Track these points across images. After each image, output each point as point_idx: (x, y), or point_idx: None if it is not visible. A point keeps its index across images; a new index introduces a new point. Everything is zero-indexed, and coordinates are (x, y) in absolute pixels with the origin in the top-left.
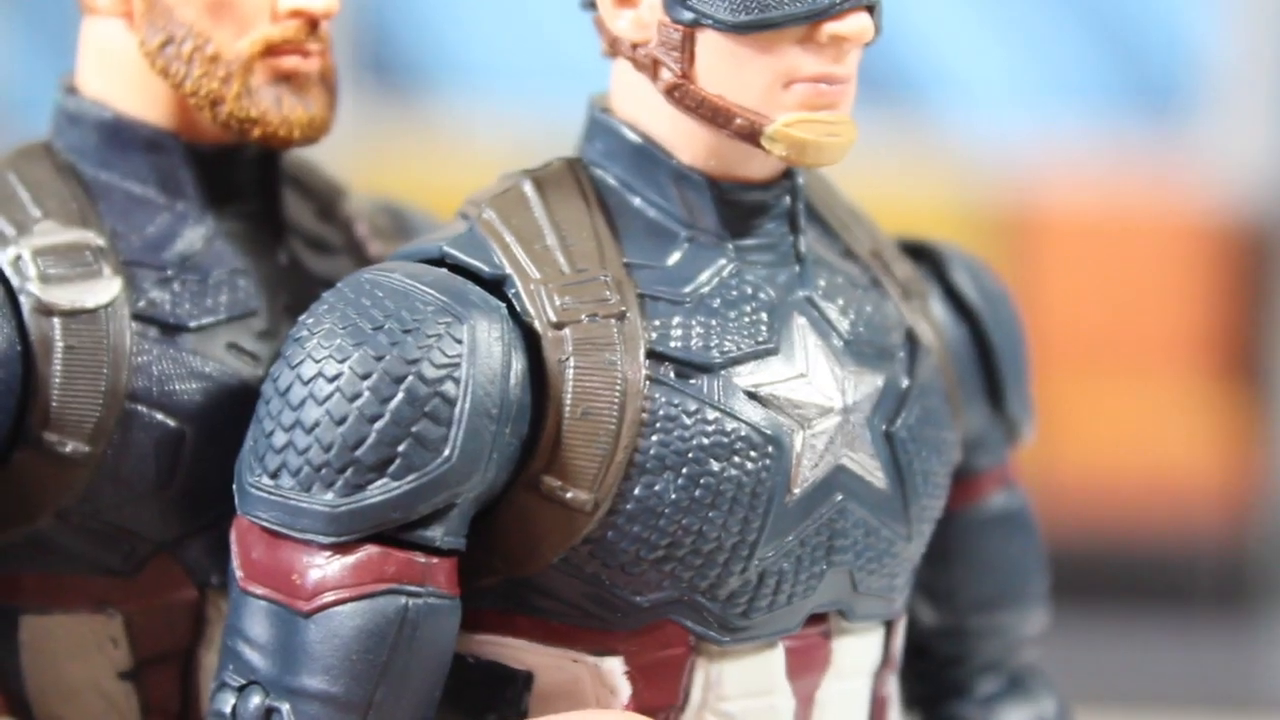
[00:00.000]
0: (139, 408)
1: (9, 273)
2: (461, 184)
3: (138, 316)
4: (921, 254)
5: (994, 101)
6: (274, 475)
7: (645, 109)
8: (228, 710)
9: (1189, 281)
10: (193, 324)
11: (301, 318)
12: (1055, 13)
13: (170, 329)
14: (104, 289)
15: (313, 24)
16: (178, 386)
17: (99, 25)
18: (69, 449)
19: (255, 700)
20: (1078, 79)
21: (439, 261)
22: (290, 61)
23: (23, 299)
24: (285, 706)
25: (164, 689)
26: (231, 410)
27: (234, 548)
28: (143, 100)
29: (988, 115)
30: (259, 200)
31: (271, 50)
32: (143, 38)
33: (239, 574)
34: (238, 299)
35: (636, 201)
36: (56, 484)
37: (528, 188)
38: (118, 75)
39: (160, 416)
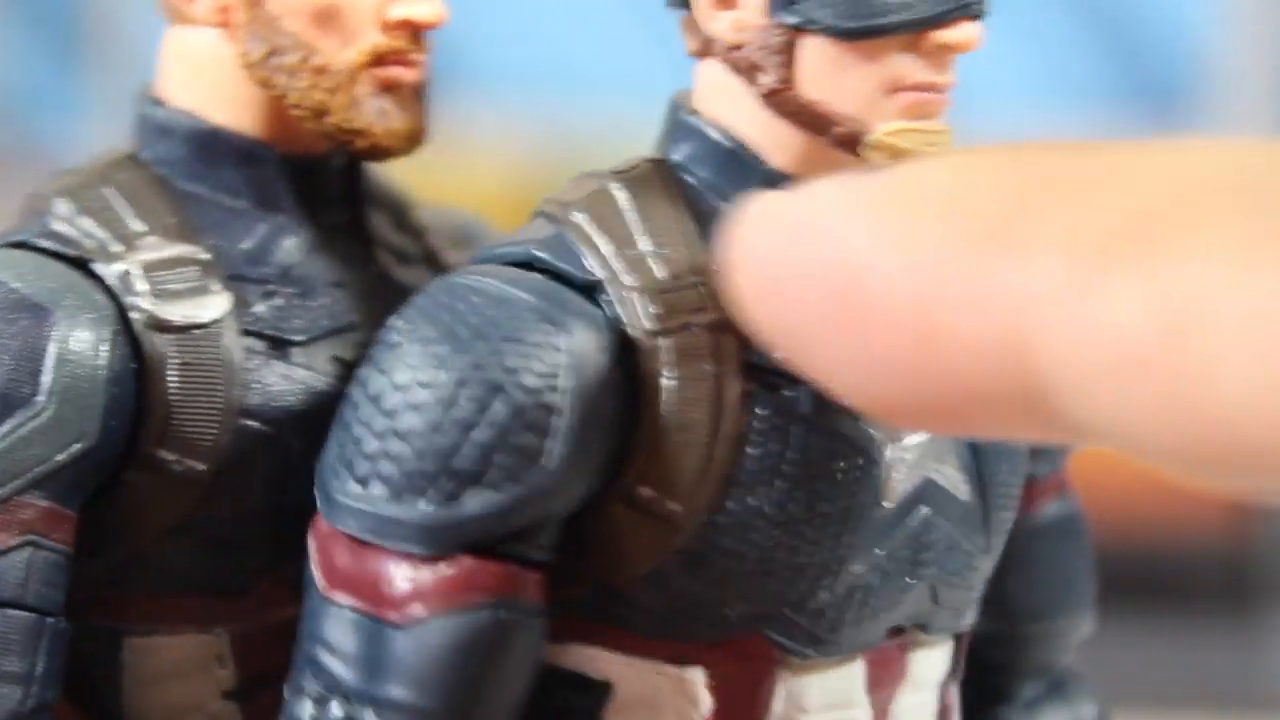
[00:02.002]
0: (250, 424)
1: (117, 288)
2: (465, 187)
3: (245, 331)
4: None
5: (994, 99)
6: (364, 484)
7: (737, 112)
8: (306, 717)
9: None
10: (298, 338)
11: (392, 321)
12: (1056, 10)
13: (277, 343)
14: (214, 304)
15: (418, 34)
16: (287, 402)
17: (189, 35)
18: (183, 467)
19: (336, 710)
20: (1078, 76)
21: (527, 265)
22: (395, 72)
23: (133, 315)
24: (369, 717)
25: (268, 708)
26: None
27: (314, 555)
28: (236, 111)
29: (988, 113)
30: (346, 211)
31: (378, 60)
32: (244, 49)
33: (321, 581)
34: (337, 312)
35: (725, 207)
36: (168, 502)
37: (617, 190)
38: (210, 86)
39: (270, 432)
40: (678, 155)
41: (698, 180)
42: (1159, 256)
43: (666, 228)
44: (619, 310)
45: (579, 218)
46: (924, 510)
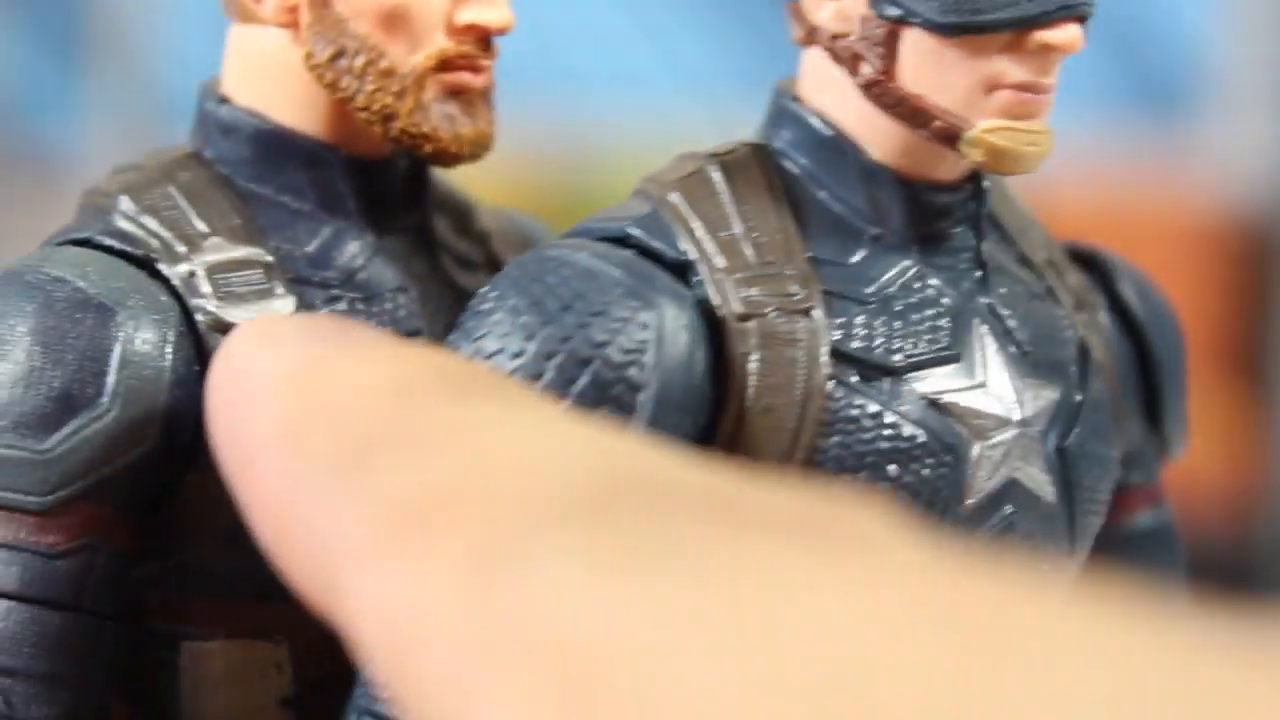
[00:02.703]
0: None
1: (182, 290)
2: (466, 186)
3: None
4: (1089, 262)
5: None
6: None
7: (838, 101)
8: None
9: (1192, 280)
10: None
11: (482, 290)
12: None
13: None
14: (280, 307)
15: (486, 39)
16: None
17: (256, 34)
18: None
19: None
20: (1080, 78)
21: (621, 242)
22: (462, 77)
23: (199, 317)
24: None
25: (324, 717)
26: None
27: None
28: (301, 112)
29: None
30: (410, 215)
31: (445, 65)
32: (311, 50)
33: None
34: (401, 318)
35: (822, 195)
36: (228, 507)
37: (715, 173)
38: (275, 86)
39: None
40: (778, 141)
41: (797, 167)
42: (413, 548)
43: (761, 212)
44: (709, 291)
45: (674, 198)
46: (1007, 509)
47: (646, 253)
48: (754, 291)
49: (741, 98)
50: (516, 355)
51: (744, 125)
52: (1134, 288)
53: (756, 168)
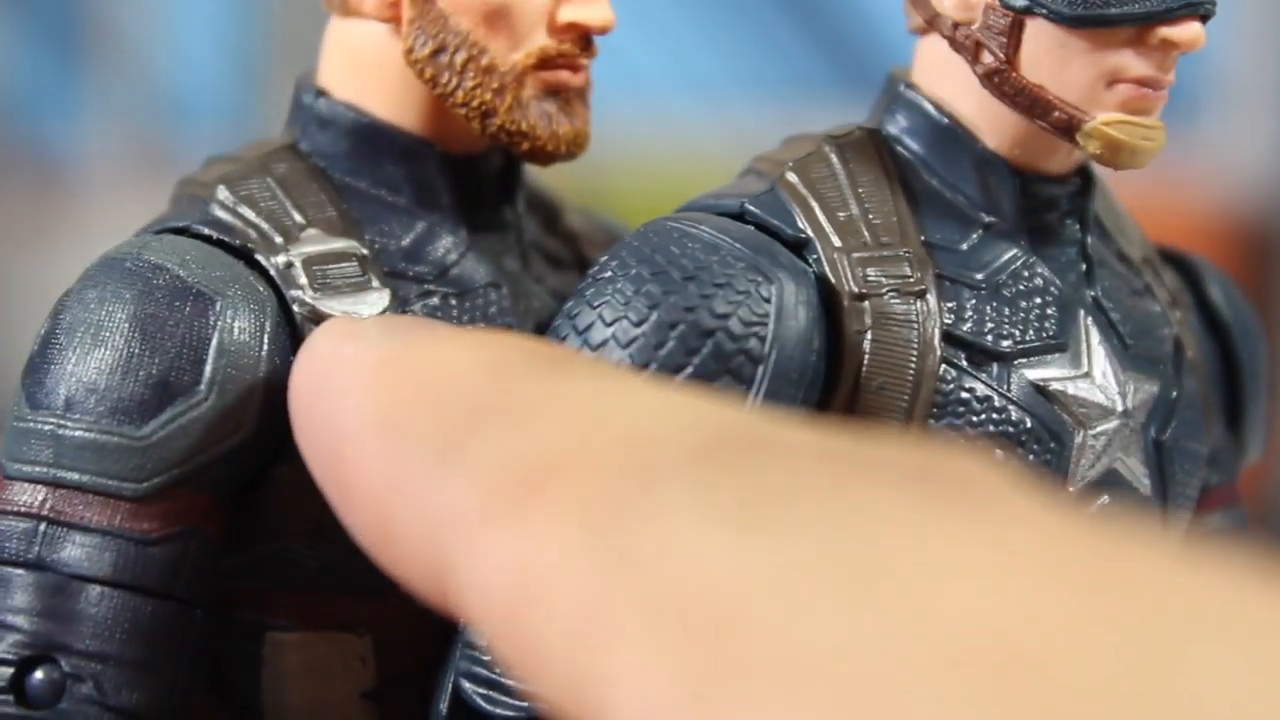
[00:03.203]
0: None
1: (279, 281)
2: None
3: None
4: (1179, 263)
5: None
6: None
7: (955, 89)
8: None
9: None
10: None
11: (603, 258)
12: None
13: None
14: (375, 300)
15: (586, 38)
16: None
17: (356, 28)
18: None
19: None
20: None
21: (738, 217)
22: (561, 75)
23: (295, 307)
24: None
25: (405, 710)
26: None
27: None
28: (399, 106)
29: None
30: (502, 212)
31: (545, 63)
32: (411, 45)
33: None
34: (493, 313)
35: (935, 182)
36: (318, 500)
37: (832, 154)
38: (374, 80)
39: None
40: (893, 127)
41: (910, 153)
42: (530, 512)
43: (876, 194)
44: (826, 269)
45: (792, 177)
46: (1104, 499)
47: (764, 229)
48: (870, 271)
49: (745, 101)
50: (638, 323)
51: (748, 127)
52: (1221, 291)
53: (872, 151)
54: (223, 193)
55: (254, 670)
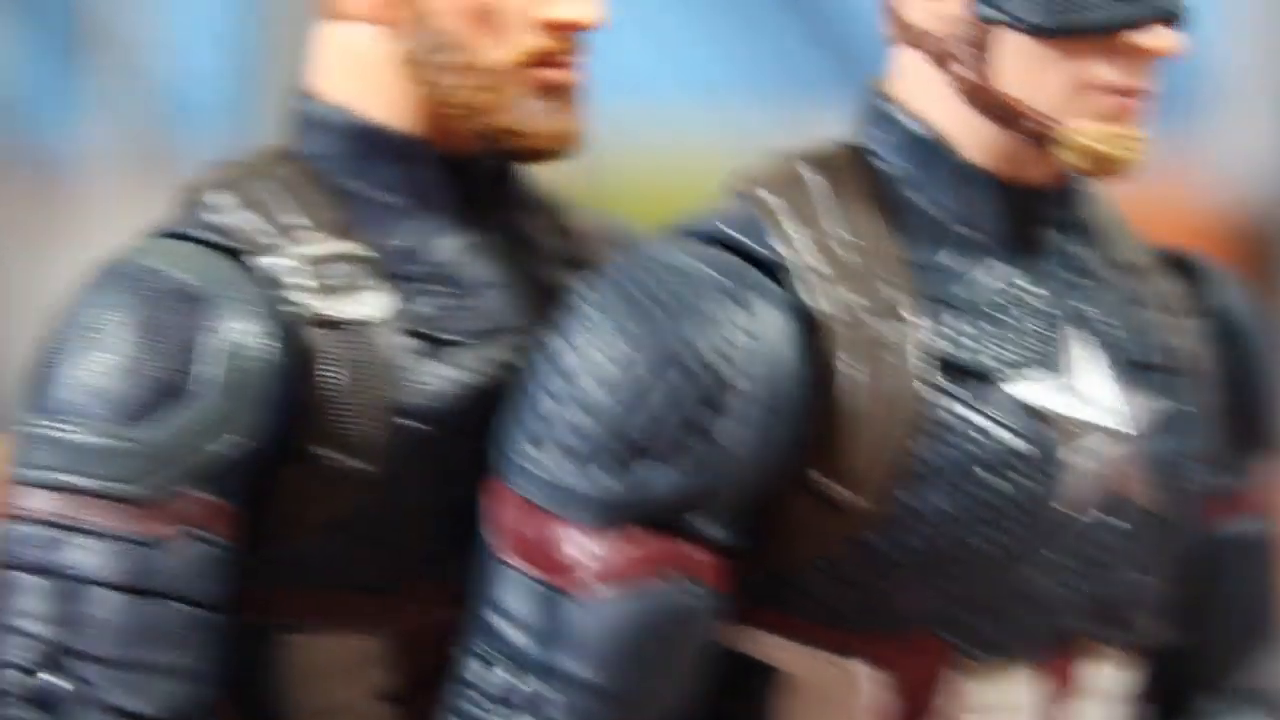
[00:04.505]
0: (409, 422)
1: (273, 282)
2: None
3: (403, 330)
4: (1181, 266)
5: None
6: (541, 448)
7: (932, 101)
8: (469, 678)
9: None
10: (456, 338)
11: (579, 293)
12: None
13: (435, 343)
14: (374, 301)
15: (577, 36)
16: (445, 402)
17: (345, 30)
18: (341, 464)
19: (500, 673)
20: None
21: (713, 240)
22: (551, 74)
23: (290, 309)
24: (537, 686)
25: (428, 710)
26: (495, 424)
27: (487, 514)
28: (392, 108)
29: None
30: (500, 213)
31: (533, 61)
32: (403, 45)
33: (494, 542)
34: (494, 313)
35: (915, 196)
36: (325, 499)
37: (808, 173)
38: (366, 82)
39: (429, 431)
40: (871, 142)
41: (890, 168)
42: None
43: (854, 213)
44: (802, 293)
45: (768, 197)
46: (1101, 516)
47: (737, 250)
48: (845, 292)
49: (745, 101)
50: (613, 359)
51: (748, 127)
52: (1227, 292)
53: (850, 168)
54: (219, 197)
55: (271, 673)
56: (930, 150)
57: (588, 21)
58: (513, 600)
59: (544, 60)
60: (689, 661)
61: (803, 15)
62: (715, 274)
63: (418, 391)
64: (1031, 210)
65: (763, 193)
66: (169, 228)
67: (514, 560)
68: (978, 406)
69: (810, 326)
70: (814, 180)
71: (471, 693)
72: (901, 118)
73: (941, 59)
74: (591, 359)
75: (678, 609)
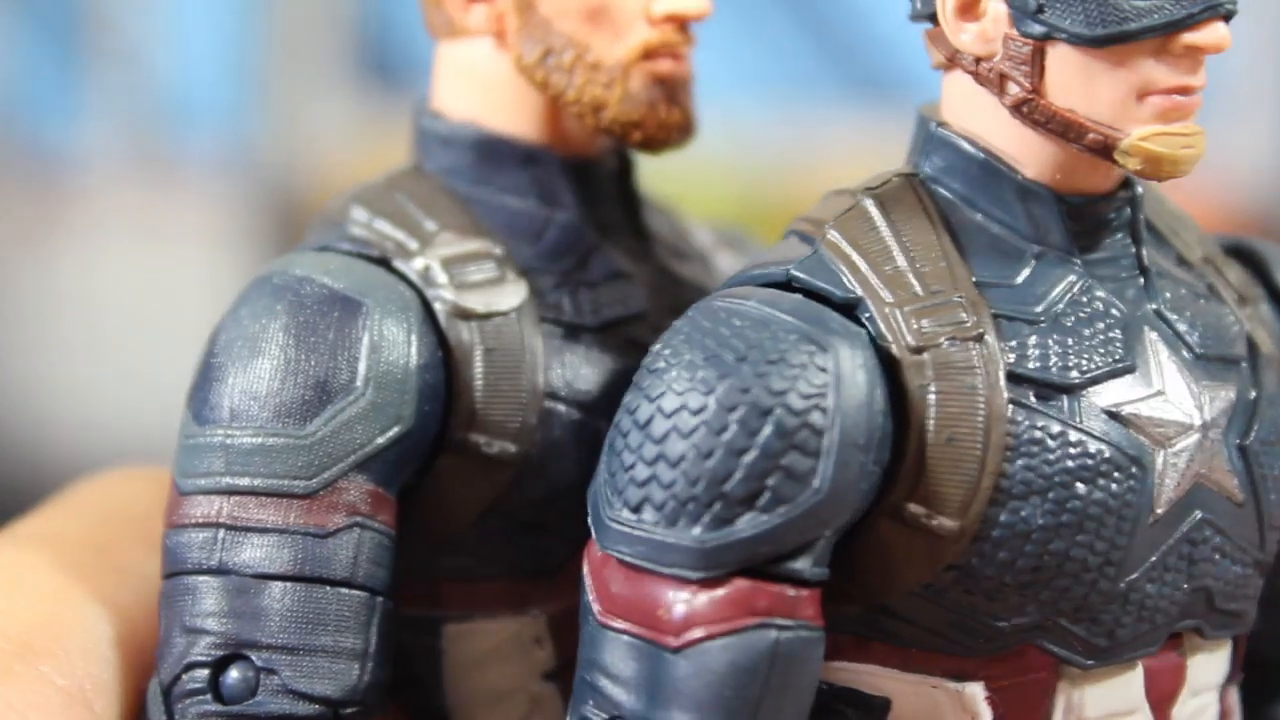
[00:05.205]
0: (556, 406)
1: (419, 283)
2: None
3: (542, 319)
4: (1243, 254)
5: None
6: (636, 510)
7: (987, 123)
8: None
9: None
10: (590, 324)
11: (655, 348)
12: None
13: (573, 329)
14: (513, 293)
15: (683, 27)
16: (590, 384)
17: (464, 47)
18: (495, 449)
19: None
20: None
21: (786, 285)
22: (665, 65)
23: (437, 306)
24: None
25: None
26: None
27: (588, 580)
28: (514, 117)
29: None
30: (622, 210)
31: (648, 54)
32: (519, 53)
33: (596, 608)
34: (626, 299)
35: (979, 218)
36: (481, 485)
37: (871, 206)
38: (488, 94)
39: (576, 414)
40: (929, 168)
41: (950, 193)
42: None
43: (921, 242)
44: (880, 327)
45: (835, 236)
46: (1196, 515)
47: (813, 295)
48: (925, 323)
49: (745, 101)
50: (698, 411)
51: (748, 127)
52: None
53: (911, 197)
54: (357, 212)
55: (434, 663)
56: (992, 171)
57: (696, 11)
58: (617, 661)
59: (658, 52)
60: (797, 699)
61: (803, 15)
62: (792, 319)
63: (562, 376)
64: (1097, 219)
65: (831, 232)
66: (310, 245)
67: (615, 622)
68: (1067, 420)
69: (893, 361)
70: (878, 213)
71: None
72: (959, 142)
73: (994, 81)
74: (674, 414)
75: (778, 651)
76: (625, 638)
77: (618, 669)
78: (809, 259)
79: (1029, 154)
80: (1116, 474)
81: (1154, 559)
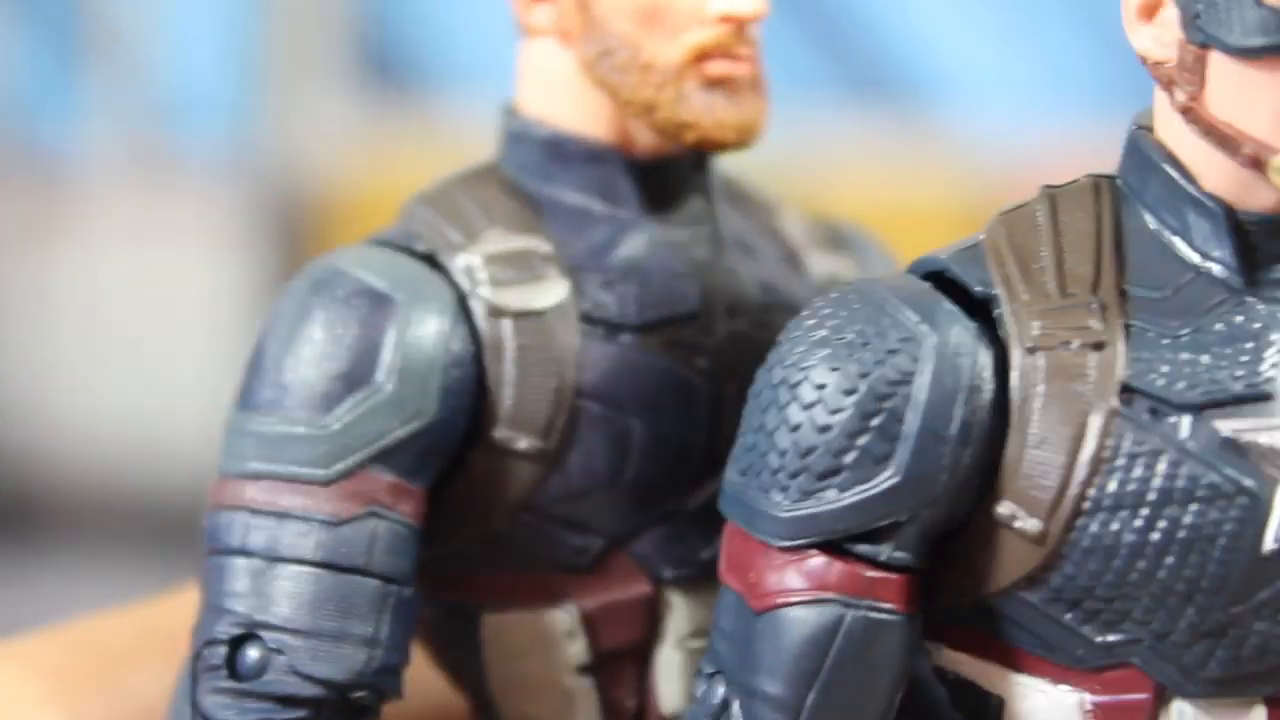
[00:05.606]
0: (588, 404)
1: (461, 279)
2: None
3: (584, 318)
4: None
5: (994, 100)
6: (742, 474)
7: (1171, 131)
8: (699, 694)
9: None
10: (635, 323)
11: (784, 332)
12: (1054, 11)
13: (614, 328)
14: (552, 291)
15: (741, 28)
16: (624, 383)
17: (536, 46)
18: (523, 445)
19: (719, 690)
20: (1077, 77)
21: (939, 274)
22: (720, 66)
23: (474, 303)
24: (737, 700)
25: (622, 685)
26: (674, 406)
27: (723, 537)
28: (581, 115)
29: (988, 114)
30: (694, 208)
31: (702, 56)
32: (580, 52)
33: (721, 565)
34: (675, 299)
35: (1155, 226)
36: (513, 481)
37: (1039, 204)
38: (556, 93)
39: (608, 412)
40: (1125, 173)
41: (1139, 199)
42: None
43: (1077, 244)
44: (1008, 325)
45: (996, 229)
46: None
47: (953, 285)
48: (1048, 324)
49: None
50: (794, 386)
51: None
52: None
53: (1090, 199)
54: (419, 209)
55: (476, 652)
56: (1170, 182)
57: (752, 12)
58: (726, 618)
59: (714, 53)
60: (871, 680)
61: (803, 16)
62: (906, 308)
63: (596, 374)
64: (1262, 237)
65: (995, 227)
66: (375, 237)
67: (729, 579)
68: (1176, 440)
69: (1010, 359)
70: (1044, 213)
71: (697, 709)
72: (1150, 150)
73: (1166, 85)
74: (785, 390)
75: (845, 628)
76: (732, 595)
77: (723, 623)
78: (966, 250)
79: (1204, 165)
80: (1220, 501)
81: (1264, 595)
